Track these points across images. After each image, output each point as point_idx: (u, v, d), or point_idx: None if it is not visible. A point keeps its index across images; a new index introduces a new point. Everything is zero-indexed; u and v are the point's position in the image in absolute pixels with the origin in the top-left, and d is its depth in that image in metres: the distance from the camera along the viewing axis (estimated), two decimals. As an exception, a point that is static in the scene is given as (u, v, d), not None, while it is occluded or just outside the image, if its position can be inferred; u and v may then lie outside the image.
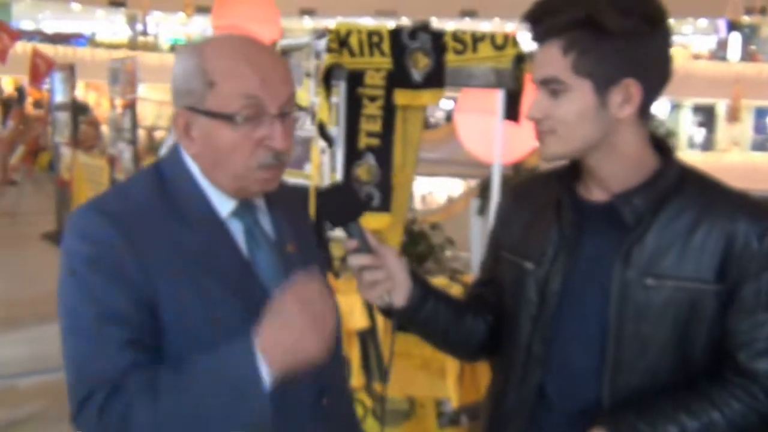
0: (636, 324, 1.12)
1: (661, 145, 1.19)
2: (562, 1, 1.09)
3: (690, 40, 28.08)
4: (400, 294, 1.19)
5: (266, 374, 0.99)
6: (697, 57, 26.24)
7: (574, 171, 1.22)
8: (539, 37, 1.13)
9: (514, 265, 1.25)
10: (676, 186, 1.14)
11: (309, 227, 1.32)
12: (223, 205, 1.13)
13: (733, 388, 1.11)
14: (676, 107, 24.93)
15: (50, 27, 29.15)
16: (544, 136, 1.15)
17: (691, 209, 1.13)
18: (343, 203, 1.14)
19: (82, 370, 1.03)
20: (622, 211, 1.14)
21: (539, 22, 1.12)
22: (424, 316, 1.23)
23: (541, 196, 1.25)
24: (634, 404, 1.12)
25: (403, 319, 1.22)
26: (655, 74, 1.12)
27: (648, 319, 1.12)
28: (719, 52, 26.46)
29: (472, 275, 3.27)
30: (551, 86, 1.11)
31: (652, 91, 1.12)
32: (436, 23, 3.13)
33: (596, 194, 1.19)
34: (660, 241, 1.12)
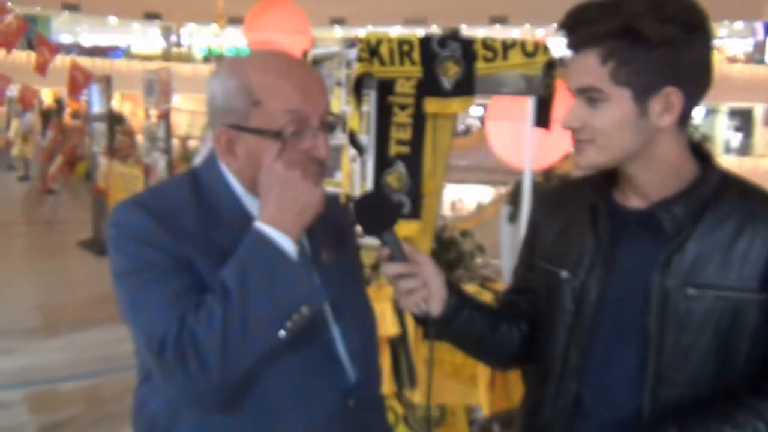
0: (677, 334, 1.10)
1: (701, 151, 1.17)
2: (600, 10, 1.07)
3: (725, 43, 27.56)
4: (435, 302, 1.18)
5: (286, 243, 1.06)
6: (732, 60, 25.72)
7: (609, 177, 1.20)
8: (575, 45, 1.11)
9: (549, 274, 1.24)
10: (716, 193, 1.12)
11: (346, 232, 1.33)
12: (257, 209, 1.15)
13: None
14: (711, 111, 24.47)
15: (88, 40, 29.86)
16: (581, 145, 1.13)
17: (733, 217, 1.10)
18: (378, 212, 1.15)
19: (150, 325, 1.05)
20: (662, 219, 1.12)
21: (576, 30, 1.10)
22: (460, 324, 1.22)
23: (576, 203, 1.24)
24: (675, 416, 1.10)
25: (439, 328, 1.21)
26: (696, 81, 1.10)
27: (689, 329, 1.10)
28: (756, 55, 25.90)
29: (502, 283, 3.26)
30: (589, 95, 1.10)
31: (693, 99, 1.10)
32: (465, 30, 3.13)
33: (633, 201, 1.17)
34: (701, 250, 1.10)
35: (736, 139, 25.92)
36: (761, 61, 25.12)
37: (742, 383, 1.11)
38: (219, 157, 1.16)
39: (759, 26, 25.65)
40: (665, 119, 1.09)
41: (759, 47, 26.06)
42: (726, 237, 1.10)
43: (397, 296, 1.17)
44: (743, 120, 25.69)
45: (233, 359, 1.02)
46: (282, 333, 1.04)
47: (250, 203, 1.16)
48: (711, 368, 1.11)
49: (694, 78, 1.09)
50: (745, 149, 25.51)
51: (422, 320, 1.21)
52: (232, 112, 1.10)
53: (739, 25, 26.51)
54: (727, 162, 22.40)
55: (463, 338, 1.27)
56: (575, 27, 1.10)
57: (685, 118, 1.11)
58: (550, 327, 1.22)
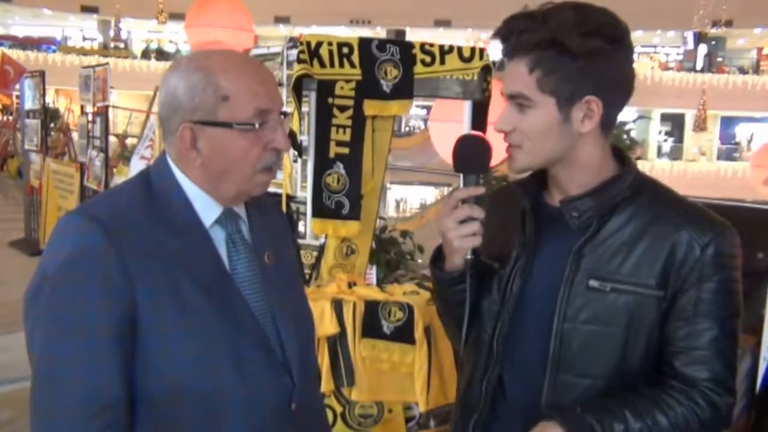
0: (576, 323, 1.18)
1: (620, 155, 1.26)
2: (529, 22, 1.15)
3: (658, 51, 28.63)
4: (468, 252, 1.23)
5: None
6: (665, 67, 26.76)
7: (539, 179, 1.29)
8: (508, 53, 1.20)
9: (484, 266, 1.31)
10: (631, 194, 1.21)
11: (285, 236, 1.36)
12: (208, 214, 1.17)
13: (675, 392, 1.16)
14: (645, 117, 25.41)
15: (20, 32, 28.73)
16: (512, 150, 1.22)
17: (640, 217, 1.19)
18: (480, 155, 1.21)
19: (80, 395, 1.06)
20: (566, 215, 1.21)
21: (507, 40, 1.18)
22: (471, 282, 1.25)
23: (510, 204, 1.32)
24: (578, 400, 1.17)
25: (473, 269, 1.24)
26: (616, 90, 1.19)
27: (590, 319, 1.18)
28: (686, 63, 27.03)
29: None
30: (518, 101, 1.18)
31: (613, 107, 1.19)
32: (410, 33, 3.18)
33: (557, 200, 1.25)
34: (608, 246, 1.18)
35: (668, 144, 26.97)
36: (691, 69, 26.23)
37: (636, 377, 1.18)
38: (180, 155, 1.16)
39: (689, 35, 26.76)
40: (586, 125, 1.18)
41: (689, 55, 27.19)
42: (631, 235, 1.18)
43: (459, 236, 1.20)
44: (674, 125, 26.76)
45: None
46: None
47: (202, 207, 1.16)
48: (610, 360, 1.18)
49: (614, 87, 1.18)
50: (676, 153, 26.59)
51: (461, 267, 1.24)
52: (199, 109, 1.12)
53: (671, 33, 27.60)
54: (659, 166, 23.31)
55: (463, 298, 1.26)
56: (507, 37, 1.18)
57: (607, 124, 1.20)
58: (482, 315, 1.30)
